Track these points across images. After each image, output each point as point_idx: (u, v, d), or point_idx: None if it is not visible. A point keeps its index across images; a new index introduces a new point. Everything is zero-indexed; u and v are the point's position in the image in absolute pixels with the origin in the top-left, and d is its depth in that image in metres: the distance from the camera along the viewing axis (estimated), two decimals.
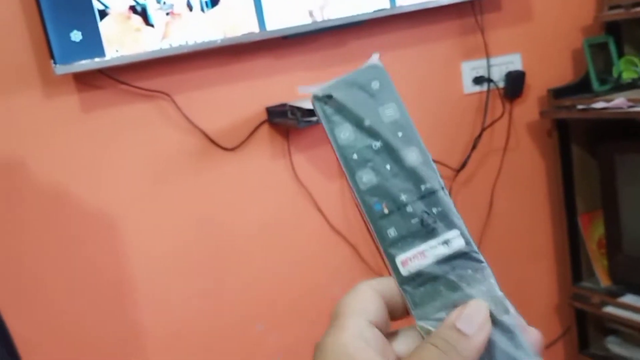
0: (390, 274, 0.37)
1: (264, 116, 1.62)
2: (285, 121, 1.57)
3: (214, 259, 1.62)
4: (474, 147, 1.80)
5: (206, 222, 1.61)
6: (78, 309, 1.52)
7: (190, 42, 1.43)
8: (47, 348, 1.49)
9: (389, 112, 0.37)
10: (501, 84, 1.83)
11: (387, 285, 0.38)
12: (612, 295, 1.84)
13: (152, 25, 1.40)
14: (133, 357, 1.58)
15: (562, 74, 1.90)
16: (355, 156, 0.37)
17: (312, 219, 1.71)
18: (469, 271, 0.38)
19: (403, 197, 0.37)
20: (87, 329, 1.53)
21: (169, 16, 1.41)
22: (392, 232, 0.36)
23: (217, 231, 1.61)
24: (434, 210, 0.37)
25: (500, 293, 0.38)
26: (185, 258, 1.59)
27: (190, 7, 1.42)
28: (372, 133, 0.37)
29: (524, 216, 1.94)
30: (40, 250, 1.48)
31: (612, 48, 1.85)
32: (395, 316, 0.39)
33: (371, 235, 0.38)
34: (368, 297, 0.38)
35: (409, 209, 0.36)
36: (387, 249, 0.37)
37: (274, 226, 1.67)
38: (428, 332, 0.36)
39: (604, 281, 1.91)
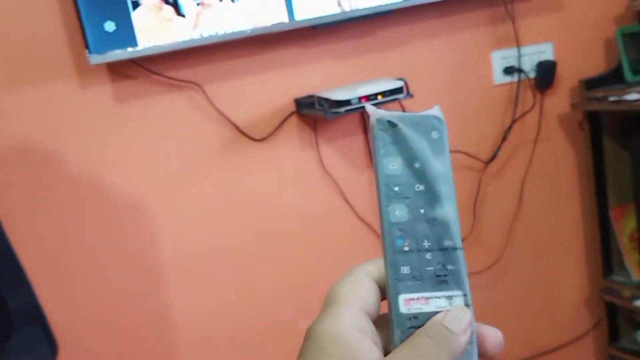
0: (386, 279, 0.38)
1: (293, 107, 1.62)
2: (313, 112, 1.58)
3: (244, 248, 1.64)
4: (504, 138, 1.79)
5: (235, 212, 1.62)
6: (113, 294, 1.55)
7: (220, 32, 1.44)
8: (82, 330, 1.53)
9: (439, 164, 0.39)
10: (532, 74, 1.81)
11: (381, 268, 0.39)
12: None
13: (183, 16, 1.41)
14: (166, 341, 1.61)
15: (594, 64, 1.87)
16: (396, 189, 0.38)
17: (339, 209, 1.71)
18: None
19: (426, 243, 0.38)
20: (122, 313, 1.56)
21: (199, 6, 1.42)
22: (405, 270, 0.38)
23: (245, 221, 1.63)
24: (449, 266, 0.38)
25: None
26: (215, 246, 1.61)
27: None
28: (419, 175, 0.38)
29: (555, 209, 1.92)
30: (75, 237, 1.51)
31: None
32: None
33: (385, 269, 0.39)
34: (365, 286, 0.39)
35: (428, 256, 0.38)
36: (396, 282, 0.38)
37: (302, 216, 1.68)
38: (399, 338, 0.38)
39: (636, 275, 1.88)
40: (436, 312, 0.38)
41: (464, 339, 0.37)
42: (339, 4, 1.54)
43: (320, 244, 1.71)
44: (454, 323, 0.37)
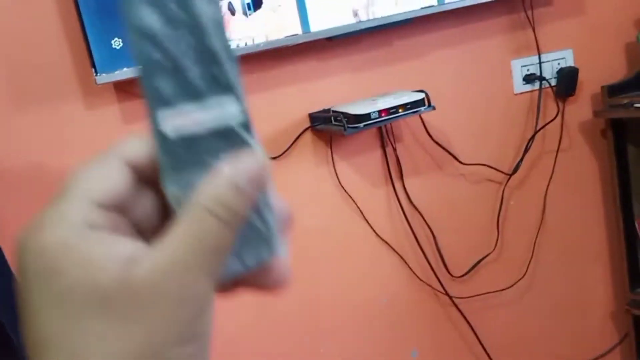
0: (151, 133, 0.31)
1: (307, 123, 1.55)
2: (329, 127, 1.51)
3: None
4: (526, 149, 1.72)
5: None
6: None
7: (233, 47, 1.36)
8: None
9: None
10: (553, 82, 1.74)
11: (142, 147, 0.31)
12: None
13: None
14: None
15: (616, 70, 1.81)
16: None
17: (357, 227, 1.64)
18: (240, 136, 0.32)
19: (183, 48, 0.31)
20: None
21: None
22: (164, 86, 0.31)
23: None
24: (214, 69, 0.32)
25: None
26: None
27: (232, 11, 1.36)
28: None
29: (579, 221, 1.85)
30: None
31: None
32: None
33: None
34: (105, 170, 0.31)
35: (187, 62, 0.31)
36: (153, 103, 0.31)
37: (319, 235, 1.61)
38: (176, 200, 0.30)
39: None
40: (210, 127, 0.31)
41: (254, 195, 0.30)
42: (355, 14, 1.47)
43: (338, 264, 1.64)
44: (247, 179, 0.30)
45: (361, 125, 1.43)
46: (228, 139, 0.32)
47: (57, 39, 1.34)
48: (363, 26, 1.47)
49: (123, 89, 1.39)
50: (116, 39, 1.27)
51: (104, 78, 1.28)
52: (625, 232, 1.82)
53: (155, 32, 0.31)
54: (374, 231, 1.64)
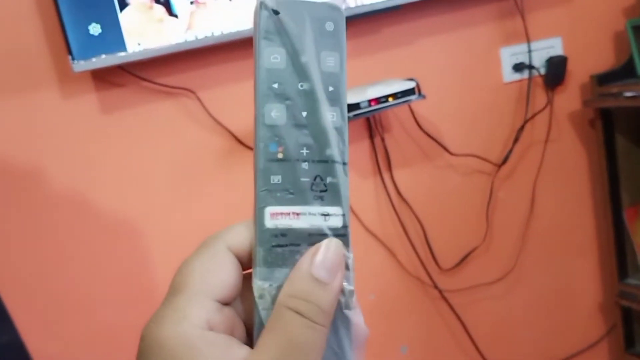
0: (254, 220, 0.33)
1: None
2: None
3: None
4: (516, 139, 1.69)
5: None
6: (105, 325, 1.41)
7: (217, 34, 1.31)
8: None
9: (330, 61, 0.34)
10: (542, 71, 1.71)
11: (243, 234, 0.33)
12: None
13: (175, 16, 1.27)
14: None
15: (604, 58, 1.79)
16: (275, 86, 0.33)
17: None
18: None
19: (304, 151, 0.33)
20: (116, 345, 1.42)
21: (193, 5, 1.29)
22: (275, 179, 0.33)
23: None
24: (328, 179, 0.33)
25: (352, 287, 0.35)
26: None
27: None
28: (304, 72, 0.33)
29: (568, 211, 1.83)
30: (61, 263, 1.36)
31: None
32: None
33: (255, 178, 0.32)
34: (218, 264, 0.32)
35: (304, 165, 0.33)
36: (263, 193, 0.33)
37: None
38: (261, 296, 0.32)
39: None
40: (309, 231, 0.32)
41: (336, 286, 0.31)
42: (344, 1, 1.42)
43: None
44: (322, 269, 0.30)
45: (351, 114, 1.38)
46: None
47: (32, 24, 1.26)
48: (351, 13, 1.42)
49: (101, 77, 1.32)
50: (93, 24, 1.20)
51: (80, 65, 1.21)
52: (613, 222, 1.81)
53: (280, 126, 0.33)
54: (362, 224, 1.60)
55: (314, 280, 0.30)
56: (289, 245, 0.32)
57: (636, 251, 1.82)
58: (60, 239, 1.36)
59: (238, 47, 1.41)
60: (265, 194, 0.32)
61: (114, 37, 1.22)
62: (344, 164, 0.34)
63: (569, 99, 1.77)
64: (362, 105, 1.38)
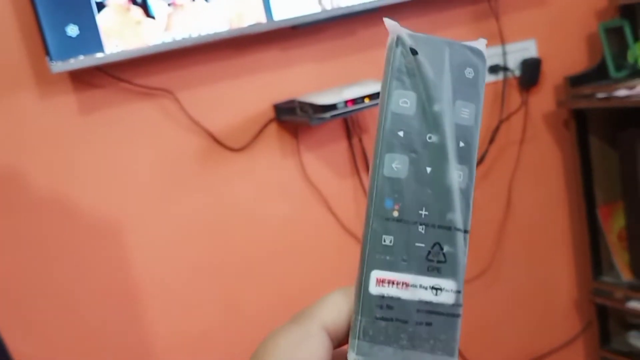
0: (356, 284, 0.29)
1: (272, 114, 1.52)
2: (295, 118, 1.48)
3: (226, 265, 1.52)
4: (491, 140, 1.72)
5: (215, 227, 1.51)
6: (88, 324, 1.41)
7: (194, 35, 1.33)
8: None
9: (465, 112, 0.30)
10: (517, 72, 1.74)
11: (339, 305, 0.31)
12: (635, 290, 1.77)
13: (152, 17, 1.29)
14: None
15: (578, 60, 1.83)
16: (401, 134, 0.29)
17: (324, 220, 1.61)
18: (442, 336, 0.29)
19: (423, 212, 0.29)
20: (99, 343, 1.42)
21: (170, 7, 1.30)
22: (387, 240, 0.29)
23: (226, 236, 1.52)
24: (446, 248, 0.29)
25: None
26: (196, 265, 1.49)
27: None
28: (435, 122, 0.29)
29: (543, 210, 1.86)
30: (43, 264, 1.37)
31: (628, 32, 1.78)
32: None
33: (364, 234, 0.29)
34: (307, 348, 0.30)
35: (422, 229, 0.29)
36: (373, 255, 0.29)
37: (286, 229, 1.58)
38: None
39: (625, 275, 1.84)
40: (416, 305, 0.28)
41: None
42: (320, 3, 1.44)
43: (306, 258, 1.61)
44: None
45: (328, 115, 1.40)
46: (434, 323, 0.29)
47: (9, 25, 1.27)
48: (328, 15, 1.45)
49: (79, 78, 1.33)
50: (71, 25, 1.22)
51: (58, 66, 1.22)
52: (588, 220, 1.84)
53: (400, 180, 0.29)
54: (341, 224, 1.62)
55: None
56: (394, 320, 0.29)
57: (610, 249, 1.86)
58: (43, 240, 1.37)
59: (215, 48, 1.42)
60: (373, 256, 0.29)
61: (91, 38, 1.23)
62: (466, 232, 0.30)
63: (544, 100, 1.80)
64: (338, 106, 1.40)
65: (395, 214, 0.29)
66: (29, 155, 1.33)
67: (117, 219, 1.41)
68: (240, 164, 1.50)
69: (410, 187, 0.29)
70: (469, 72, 0.30)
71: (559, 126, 1.83)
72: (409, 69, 0.30)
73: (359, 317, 0.29)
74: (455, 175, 0.30)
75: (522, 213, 1.82)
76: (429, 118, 0.29)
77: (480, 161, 1.72)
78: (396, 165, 0.29)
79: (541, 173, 1.84)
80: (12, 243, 1.34)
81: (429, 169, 0.29)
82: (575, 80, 1.76)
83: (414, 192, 0.29)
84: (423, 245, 0.29)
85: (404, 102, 0.30)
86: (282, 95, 1.51)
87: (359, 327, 0.29)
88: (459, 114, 0.30)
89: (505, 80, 1.73)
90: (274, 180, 1.55)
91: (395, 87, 0.30)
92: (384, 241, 0.29)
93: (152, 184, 1.44)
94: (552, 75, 1.79)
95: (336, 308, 0.30)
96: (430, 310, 0.29)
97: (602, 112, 1.79)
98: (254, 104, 1.50)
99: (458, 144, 0.30)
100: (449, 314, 0.30)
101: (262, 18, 1.39)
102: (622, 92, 1.62)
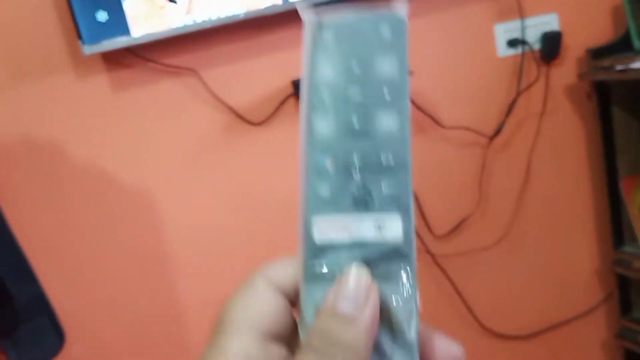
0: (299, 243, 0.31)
1: (290, 89, 1.61)
2: None
3: (251, 236, 1.64)
4: (508, 112, 1.75)
5: (238, 197, 1.63)
6: (121, 286, 1.57)
7: (214, 17, 1.43)
8: (91, 322, 1.55)
9: (386, 67, 0.32)
10: (537, 46, 1.76)
11: (288, 269, 0.32)
12: None
13: (174, 2, 1.40)
14: (175, 334, 1.63)
15: (602, 33, 1.82)
16: (325, 97, 0.31)
17: None
18: (393, 270, 0.30)
19: (355, 158, 0.31)
20: (131, 305, 1.58)
21: None
22: (324, 192, 0.31)
23: (248, 205, 1.63)
24: (384, 185, 0.30)
25: (415, 306, 0.31)
26: (223, 235, 1.62)
27: None
28: (357, 81, 0.31)
29: (564, 182, 1.89)
30: (81, 229, 1.53)
31: None
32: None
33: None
34: (260, 299, 0.31)
35: (356, 175, 0.30)
36: (310, 208, 0.31)
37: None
38: (301, 319, 0.30)
39: None
40: (360, 247, 0.29)
41: (365, 318, 0.28)
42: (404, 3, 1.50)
43: None
44: (346, 302, 0.28)
45: None
46: (376, 261, 0.30)
47: (48, 14, 1.41)
48: None
49: (111, 59, 1.47)
50: (100, 11, 1.34)
51: (90, 49, 1.35)
52: (609, 192, 1.85)
53: (330, 141, 0.31)
54: None
55: (337, 317, 0.28)
56: (337, 260, 0.30)
57: (632, 220, 1.87)
58: (81, 207, 1.52)
59: (235, 29, 1.52)
60: (312, 207, 0.30)
61: (119, 23, 1.36)
62: (405, 167, 0.30)
63: (565, 72, 1.81)
64: None
65: (329, 168, 0.31)
66: (68, 130, 1.47)
67: (147, 188, 1.54)
68: (261, 137, 1.61)
69: (339, 142, 0.31)
70: (386, 32, 0.32)
71: (580, 99, 1.84)
72: (325, 41, 0.32)
73: (304, 264, 0.31)
74: (385, 121, 0.30)
75: (542, 183, 1.86)
76: (351, 79, 0.31)
77: (497, 132, 1.76)
78: (322, 125, 0.31)
79: (562, 145, 1.86)
80: (55, 209, 1.50)
81: (355, 121, 0.31)
82: (597, 53, 1.76)
83: (345, 145, 0.31)
84: (359, 187, 0.30)
85: (326, 68, 0.32)
86: (300, 71, 1.59)
87: (305, 273, 0.30)
88: (382, 68, 0.31)
89: (523, 54, 1.75)
90: (291, 154, 1.63)
91: (315, 57, 0.32)
92: (321, 193, 0.30)
93: (179, 156, 1.56)
94: (574, 48, 1.80)
95: (285, 269, 0.32)
96: (377, 250, 0.30)
97: (626, 84, 1.79)
98: (273, 81, 1.59)
99: (383, 95, 0.31)
100: (396, 252, 0.30)
101: (278, 0, 1.47)
102: (639, 64, 1.62)
